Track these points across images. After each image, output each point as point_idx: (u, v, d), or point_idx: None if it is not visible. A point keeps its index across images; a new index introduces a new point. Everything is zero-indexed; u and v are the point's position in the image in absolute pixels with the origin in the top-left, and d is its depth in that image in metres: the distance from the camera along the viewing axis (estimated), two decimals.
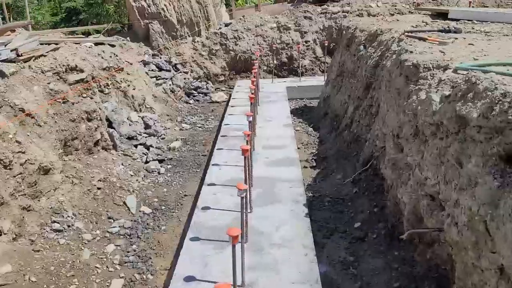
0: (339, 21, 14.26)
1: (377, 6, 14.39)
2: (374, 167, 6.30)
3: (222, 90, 13.62)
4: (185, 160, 8.29)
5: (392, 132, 4.85)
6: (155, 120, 9.80)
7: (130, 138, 8.72)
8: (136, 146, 8.63)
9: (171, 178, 7.45)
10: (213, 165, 6.97)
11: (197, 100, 12.53)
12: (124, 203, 6.31)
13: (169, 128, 9.98)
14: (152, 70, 12.65)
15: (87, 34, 15.42)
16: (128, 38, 13.32)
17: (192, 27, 13.90)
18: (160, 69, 12.91)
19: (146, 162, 8.04)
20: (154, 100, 11.13)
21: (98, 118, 7.76)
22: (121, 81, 9.77)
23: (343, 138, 7.69)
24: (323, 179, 7.08)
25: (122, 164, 7.70)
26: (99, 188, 6.28)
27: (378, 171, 5.79)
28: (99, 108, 7.93)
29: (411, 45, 5.83)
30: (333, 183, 6.79)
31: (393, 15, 13.87)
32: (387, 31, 7.99)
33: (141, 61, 12.63)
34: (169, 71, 13.05)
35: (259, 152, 7.37)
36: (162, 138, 9.40)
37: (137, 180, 7.24)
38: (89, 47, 9.78)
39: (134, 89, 10.12)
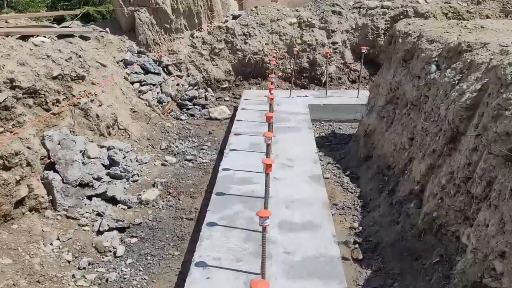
0: (376, 19, 11.30)
1: (426, 2, 11.40)
2: None
3: (225, 101, 10.76)
4: (159, 227, 5.47)
5: None
6: (127, 152, 6.97)
7: (82, 185, 5.91)
8: (90, 198, 5.83)
9: (131, 271, 4.63)
10: (197, 264, 4.14)
11: (192, 115, 9.67)
12: None
13: (146, 163, 7.15)
14: (136, 72, 9.79)
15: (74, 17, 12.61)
16: (107, 29, 10.42)
17: (191, 19, 10.99)
18: (147, 72, 10.04)
19: (99, 232, 5.24)
20: (132, 117, 8.30)
21: (24, 164, 4.95)
22: (80, 95, 6.93)
23: (409, 218, 4.84)
24: None
25: (58, 239, 4.92)
26: None
27: None
28: (28, 147, 5.11)
29: None
30: None
31: (446, 14, 10.91)
32: (479, 46, 5.11)
33: (121, 61, 9.77)
34: (159, 74, 10.19)
35: (275, 240, 4.53)
36: (134, 181, 6.59)
37: (72, 276, 4.44)
38: (36, 45, 6.93)
39: (100, 105, 7.28)
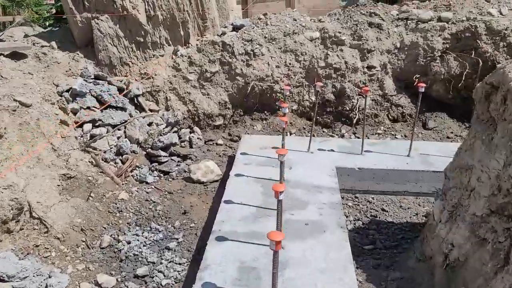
0: (431, 36, 8.13)
1: (501, 14, 8.19)
2: None
3: (218, 145, 7.75)
4: None
5: None
6: (25, 277, 3.99)
7: None
8: None
9: None
10: None
11: (166, 173, 6.65)
12: None
13: None
14: (88, 107, 6.82)
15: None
16: (53, 43, 7.45)
17: (174, 30, 7.96)
18: (106, 106, 7.07)
19: None
20: (63, 189, 5.32)
21: None
22: None
23: None
24: None
25: None
26: None
27: None
28: None
29: None
30: None
31: None
32: None
33: (67, 91, 6.81)
34: (124, 109, 7.20)
35: None
36: None
37: None
38: None
39: None
